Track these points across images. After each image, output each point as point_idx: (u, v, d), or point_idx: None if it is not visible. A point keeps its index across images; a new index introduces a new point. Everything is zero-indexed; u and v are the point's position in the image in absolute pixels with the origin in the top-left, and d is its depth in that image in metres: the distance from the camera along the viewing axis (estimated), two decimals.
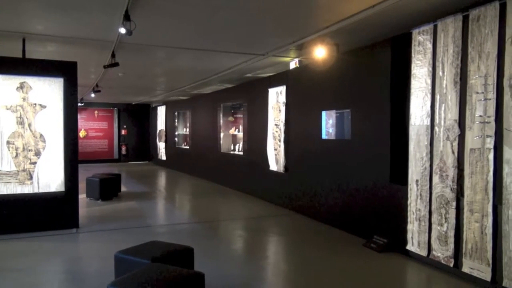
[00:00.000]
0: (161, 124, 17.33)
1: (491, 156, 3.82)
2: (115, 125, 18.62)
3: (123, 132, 18.74)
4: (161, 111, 17.25)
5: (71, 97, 6.06)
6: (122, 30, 4.50)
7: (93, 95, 12.17)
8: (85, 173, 10.48)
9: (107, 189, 8.69)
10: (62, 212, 6.05)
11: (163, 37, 5.76)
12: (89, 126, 18.11)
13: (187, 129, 14.86)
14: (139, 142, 19.07)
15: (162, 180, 13.44)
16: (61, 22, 5.02)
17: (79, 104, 14.64)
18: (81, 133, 17.71)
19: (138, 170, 15.64)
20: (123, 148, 18.71)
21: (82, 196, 7.93)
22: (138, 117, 19.05)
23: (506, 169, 3.65)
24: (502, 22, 3.72)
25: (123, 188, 10.09)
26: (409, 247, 4.85)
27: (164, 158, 17.00)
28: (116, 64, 6.44)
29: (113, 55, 6.31)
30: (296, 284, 4.25)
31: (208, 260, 4.70)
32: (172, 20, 4.89)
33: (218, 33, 5.43)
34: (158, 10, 4.48)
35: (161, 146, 17.24)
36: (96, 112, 18.22)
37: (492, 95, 3.82)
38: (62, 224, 6.06)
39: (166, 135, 16.80)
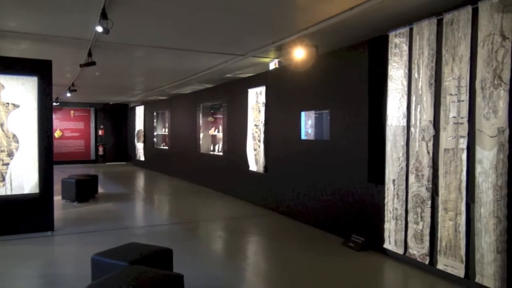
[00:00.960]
0: (139, 124, 17.11)
1: (464, 156, 3.94)
2: (92, 125, 18.27)
3: (100, 132, 18.40)
4: (140, 111, 17.03)
5: (46, 96, 5.91)
6: (99, 29, 4.42)
7: (69, 94, 11.90)
8: (60, 174, 10.25)
9: (84, 190, 8.51)
10: (37, 215, 5.89)
11: (142, 36, 5.69)
12: (64, 126, 17.70)
13: (166, 130, 14.72)
14: (116, 143, 18.76)
15: (140, 181, 13.26)
16: (35, 19, 4.89)
17: (54, 104, 14.33)
18: (57, 134, 17.30)
19: (116, 171, 15.38)
20: (100, 149, 18.37)
21: (57, 198, 7.75)
22: (115, 117, 18.74)
23: (478, 168, 3.76)
24: (474, 26, 3.83)
25: (100, 190, 9.91)
26: (386, 245, 4.94)
27: (142, 158, 16.79)
28: (92, 63, 6.33)
29: (89, 54, 6.19)
30: (276, 284, 4.27)
31: (188, 262, 4.67)
32: (151, 19, 4.83)
33: (197, 32, 5.40)
34: (136, 9, 4.42)
35: (140, 146, 17.01)
36: (72, 112, 17.83)
37: (465, 96, 3.93)
38: (37, 226, 5.89)
39: (144, 136, 16.60)
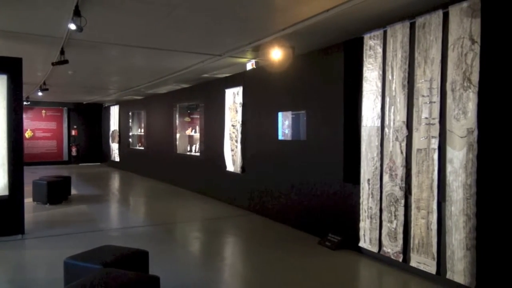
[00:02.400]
0: (114, 125, 16.79)
1: (435, 156, 4.05)
2: (65, 125, 17.81)
3: (73, 132, 17.96)
4: (114, 111, 16.71)
5: (16, 95, 5.71)
6: (72, 26, 4.31)
7: (40, 93, 11.57)
8: (31, 175, 9.93)
9: (56, 192, 8.28)
10: (6, 217, 5.68)
11: (116, 35, 5.58)
12: (36, 126, 17.17)
13: (142, 130, 14.50)
14: (90, 143, 18.35)
15: (115, 182, 13.01)
16: (4, 15, 4.73)
17: (24, 103, 13.91)
18: (27, 134, 16.77)
19: (90, 172, 15.04)
20: (74, 149, 17.92)
21: (28, 200, 7.50)
22: (89, 117, 18.33)
23: (449, 168, 3.88)
24: (445, 30, 3.95)
25: (73, 191, 9.66)
26: (361, 244, 5.03)
27: (117, 159, 16.48)
28: (65, 62, 6.17)
29: (62, 52, 6.04)
30: (253, 285, 4.28)
31: (164, 264, 4.61)
32: (126, 17, 4.75)
33: (174, 32, 5.35)
34: (110, 6, 4.33)
35: (114, 147, 16.69)
36: (43, 111, 17.33)
37: (436, 98, 4.05)
38: (6, 230, 5.69)
39: (119, 136, 16.30)
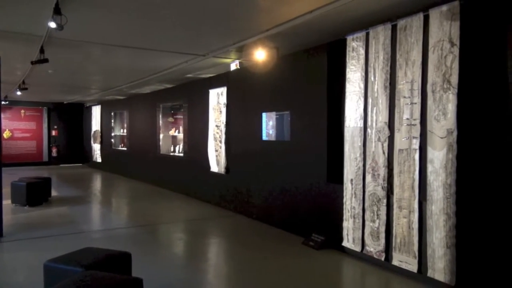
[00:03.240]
0: (96, 125, 16.53)
1: (416, 156, 4.12)
2: (45, 125, 17.44)
3: (53, 133, 17.60)
4: (96, 111, 16.46)
5: None
6: (52, 25, 4.22)
7: (19, 93, 11.30)
8: (10, 177, 9.70)
9: (35, 194, 8.11)
10: None
11: (98, 34, 5.50)
12: (14, 126, 16.76)
13: (125, 130, 14.32)
14: (71, 144, 18.02)
15: (97, 183, 12.81)
16: None
17: (3, 103, 13.58)
18: (5, 134, 16.36)
19: (71, 173, 14.77)
20: (54, 150, 17.57)
21: (6, 202, 7.32)
22: (70, 117, 17.99)
23: (429, 168, 3.95)
24: (426, 32, 4.03)
25: (53, 193, 9.48)
26: (344, 243, 5.08)
27: (99, 160, 16.24)
28: (45, 60, 6.04)
29: (42, 51, 5.90)
30: (237, 285, 4.27)
31: (147, 265, 4.56)
32: (108, 16, 4.68)
33: (157, 31, 5.30)
34: (91, 4, 4.26)
35: (96, 147, 16.44)
36: (22, 111, 16.93)
37: (417, 99, 4.12)
38: None
39: (101, 136, 16.06)
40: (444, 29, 3.82)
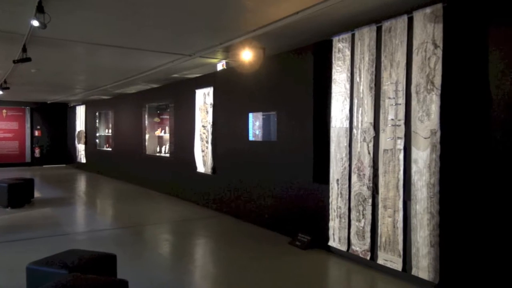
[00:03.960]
0: (80, 125, 16.30)
1: (401, 156, 4.18)
2: (27, 125, 17.11)
3: (36, 133, 17.28)
4: (81, 111, 16.22)
5: None
6: (35, 23, 4.14)
7: (0, 92, 11.05)
8: None
9: (18, 195, 7.95)
10: None
11: (82, 32, 5.42)
12: None
13: (110, 130, 14.16)
14: (55, 144, 17.72)
15: (81, 184, 12.62)
16: None
17: None
18: None
19: (54, 174, 14.53)
20: (37, 151, 17.25)
21: None
22: (54, 117, 17.69)
23: (414, 168, 4.01)
24: (410, 34, 4.09)
25: (36, 194, 9.30)
26: (331, 243, 5.12)
27: (84, 161, 16.01)
28: (27, 59, 5.92)
29: (24, 50, 5.79)
30: (223, 286, 4.26)
31: (133, 267, 4.52)
32: (93, 15, 4.62)
33: (142, 30, 5.25)
34: (75, 3, 4.20)
35: (81, 148, 16.20)
36: (4, 111, 16.57)
37: (402, 100, 4.18)
38: None
39: (86, 137, 15.84)
40: (427, 31, 3.88)
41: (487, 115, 3.55)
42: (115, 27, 5.13)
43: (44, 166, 17.24)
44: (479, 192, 3.60)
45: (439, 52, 3.78)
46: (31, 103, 16.99)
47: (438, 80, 3.80)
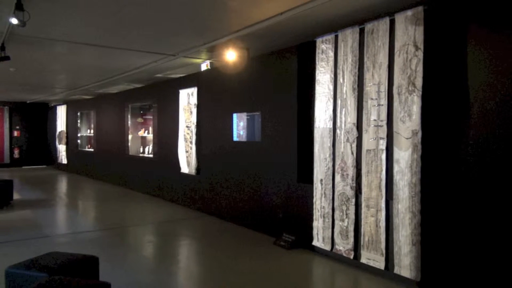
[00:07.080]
0: (61, 125, 16.00)
1: (383, 156, 4.24)
2: (6, 125, 16.71)
3: (15, 133, 16.89)
4: (62, 111, 15.93)
5: None
6: (14, 21, 4.05)
7: None
8: None
9: None
10: None
11: (63, 31, 5.32)
12: None
13: (92, 131, 13.94)
14: (35, 145, 17.36)
15: (62, 185, 12.39)
16: None
17: None
18: None
19: (35, 175, 14.22)
20: (16, 151, 16.86)
21: None
22: (34, 117, 17.32)
23: (396, 167, 4.08)
24: (392, 36, 4.15)
25: (16, 196, 9.09)
26: (315, 242, 5.15)
27: (65, 162, 15.73)
28: (6, 58, 5.79)
29: (2, 48, 5.66)
30: (208, 287, 4.24)
31: (115, 269, 4.46)
32: (73, 13, 4.55)
33: (125, 29, 5.19)
34: (56, 1, 4.12)
35: (62, 149, 15.91)
36: None
37: (384, 101, 4.24)
38: None
39: (67, 137, 15.56)
40: (409, 33, 3.95)
41: (467, 115, 3.63)
42: (96, 26, 5.06)
43: (23, 167, 16.86)
44: (459, 192, 3.68)
45: (420, 54, 3.85)
46: (9, 102, 16.60)
47: (419, 82, 3.86)
